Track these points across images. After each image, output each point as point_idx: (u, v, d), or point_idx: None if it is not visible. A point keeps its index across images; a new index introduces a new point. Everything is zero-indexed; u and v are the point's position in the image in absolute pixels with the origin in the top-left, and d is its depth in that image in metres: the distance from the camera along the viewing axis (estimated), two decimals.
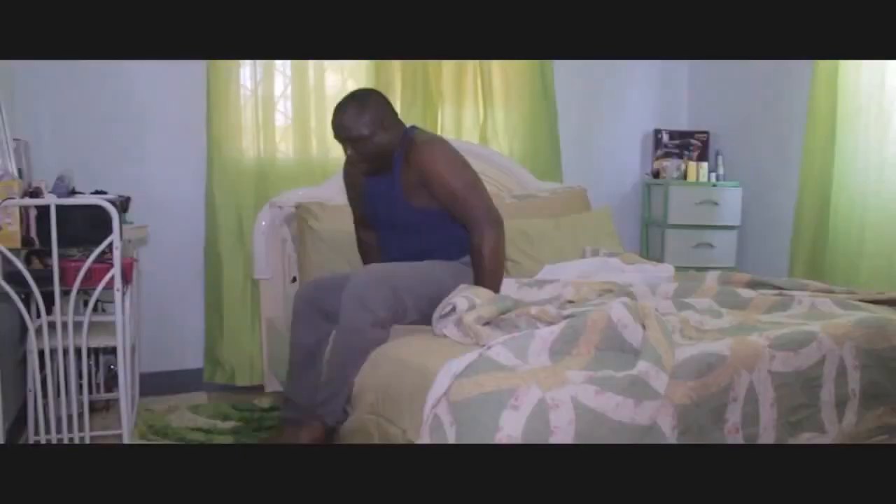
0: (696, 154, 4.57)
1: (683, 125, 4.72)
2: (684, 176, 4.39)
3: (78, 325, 2.63)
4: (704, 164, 4.38)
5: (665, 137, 4.60)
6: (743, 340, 2.09)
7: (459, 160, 2.71)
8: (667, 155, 4.57)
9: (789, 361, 2.11)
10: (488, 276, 2.60)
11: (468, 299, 2.27)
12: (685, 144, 4.60)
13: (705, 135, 4.59)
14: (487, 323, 2.22)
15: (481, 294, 2.37)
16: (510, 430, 1.68)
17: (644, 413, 1.79)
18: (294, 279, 3.44)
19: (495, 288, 2.58)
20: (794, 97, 4.00)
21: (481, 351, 1.87)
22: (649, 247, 4.48)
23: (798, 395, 2.12)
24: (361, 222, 2.99)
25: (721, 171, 4.38)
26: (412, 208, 2.70)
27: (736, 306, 2.59)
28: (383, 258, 2.83)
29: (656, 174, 4.52)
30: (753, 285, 2.90)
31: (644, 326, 1.96)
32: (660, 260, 4.18)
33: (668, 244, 4.27)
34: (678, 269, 4.07)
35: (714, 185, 4.29)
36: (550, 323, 2.09)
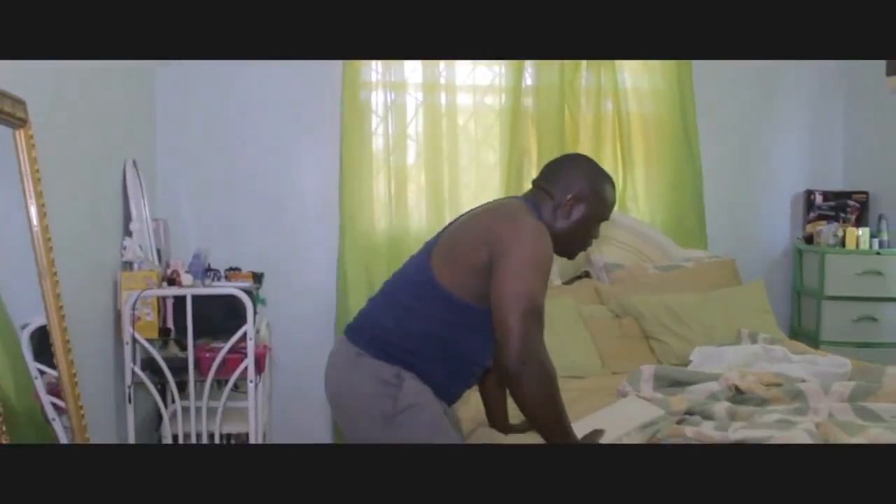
0: (853, 217, 4.19)
1: (839, 185, 4.36)
2: (842, 242, 4.02)
3: (210, 411, 2.60)
4: (866, 230, 4.00)
5: (818, 199, 4.25)
6: None
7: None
8: (820, 218, 4.22)
9: None
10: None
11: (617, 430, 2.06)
12: (841, 206, 4.23)
13: (864, 195, 4.22)
14: None
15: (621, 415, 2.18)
16: None
17: None
18: None
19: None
20: None
21: None
22: (802, 319, 4.13)
23: None
24: None
25: (885, 237, 3.99)
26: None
27: None
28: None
29: (809, 239, 4.17)
30: None
31: None
32: (815, 335, 3.85)
33: (825, 317, 3.90)
34: (837, 345, 3.76)
35: (878, 254, 3.91)
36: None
